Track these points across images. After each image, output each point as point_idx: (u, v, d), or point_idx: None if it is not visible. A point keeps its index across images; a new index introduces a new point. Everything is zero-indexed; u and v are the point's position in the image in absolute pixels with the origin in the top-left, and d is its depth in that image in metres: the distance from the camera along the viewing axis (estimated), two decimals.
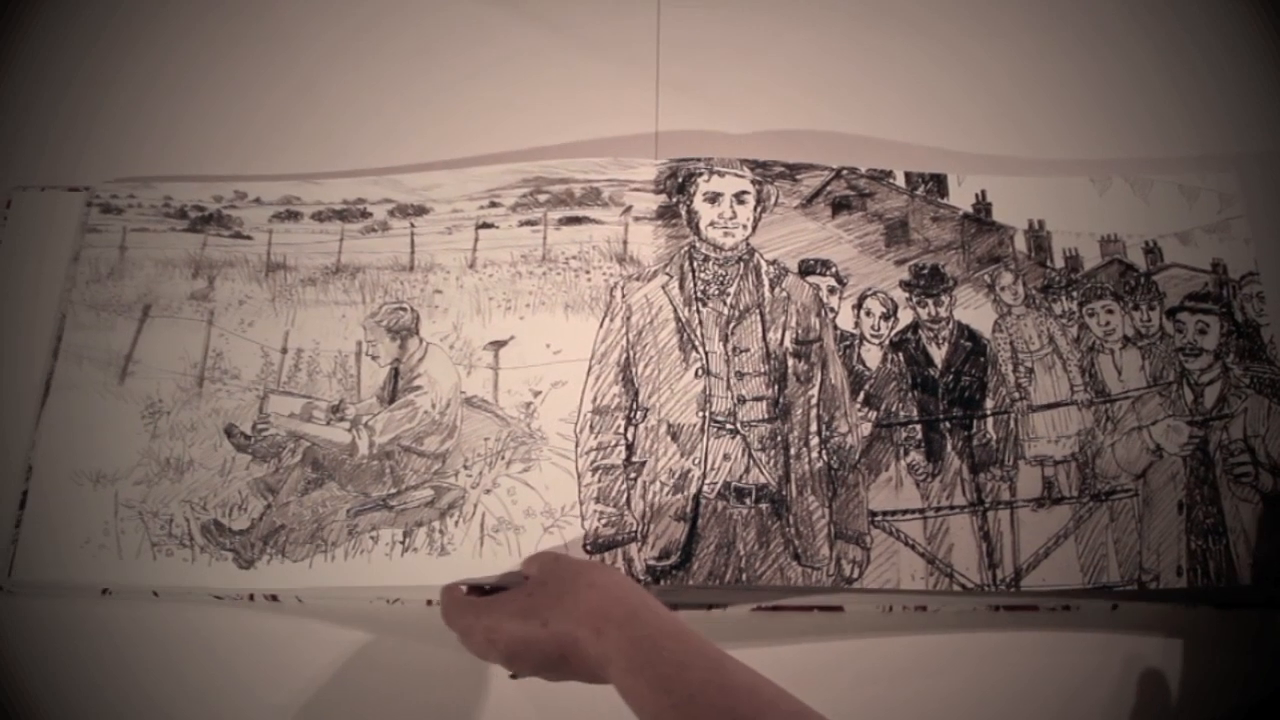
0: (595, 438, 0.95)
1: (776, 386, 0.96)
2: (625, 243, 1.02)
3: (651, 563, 0.90)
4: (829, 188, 1.04)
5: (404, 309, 1.00)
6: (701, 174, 1.03)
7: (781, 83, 1.15)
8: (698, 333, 0.97)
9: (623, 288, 1.00)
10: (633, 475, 0.93)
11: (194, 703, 0.90)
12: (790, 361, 0.97)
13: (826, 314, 0.99)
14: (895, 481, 0.94)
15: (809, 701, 0.89)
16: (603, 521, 0.92)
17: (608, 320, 0.99)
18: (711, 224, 1.01)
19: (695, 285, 0.99)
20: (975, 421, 0.97)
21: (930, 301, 1.00)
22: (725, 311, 0.98)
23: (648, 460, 0.94)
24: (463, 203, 1.05)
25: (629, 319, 0.98)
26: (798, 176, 1.04)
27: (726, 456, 0.94)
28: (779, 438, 0.95)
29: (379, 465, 0.95)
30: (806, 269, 1.01)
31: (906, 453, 0.95)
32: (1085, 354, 0.99)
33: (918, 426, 0.96)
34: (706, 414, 0.95)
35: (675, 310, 0.98)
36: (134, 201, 1.05)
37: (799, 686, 0.90)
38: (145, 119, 1.12)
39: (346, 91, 1.14)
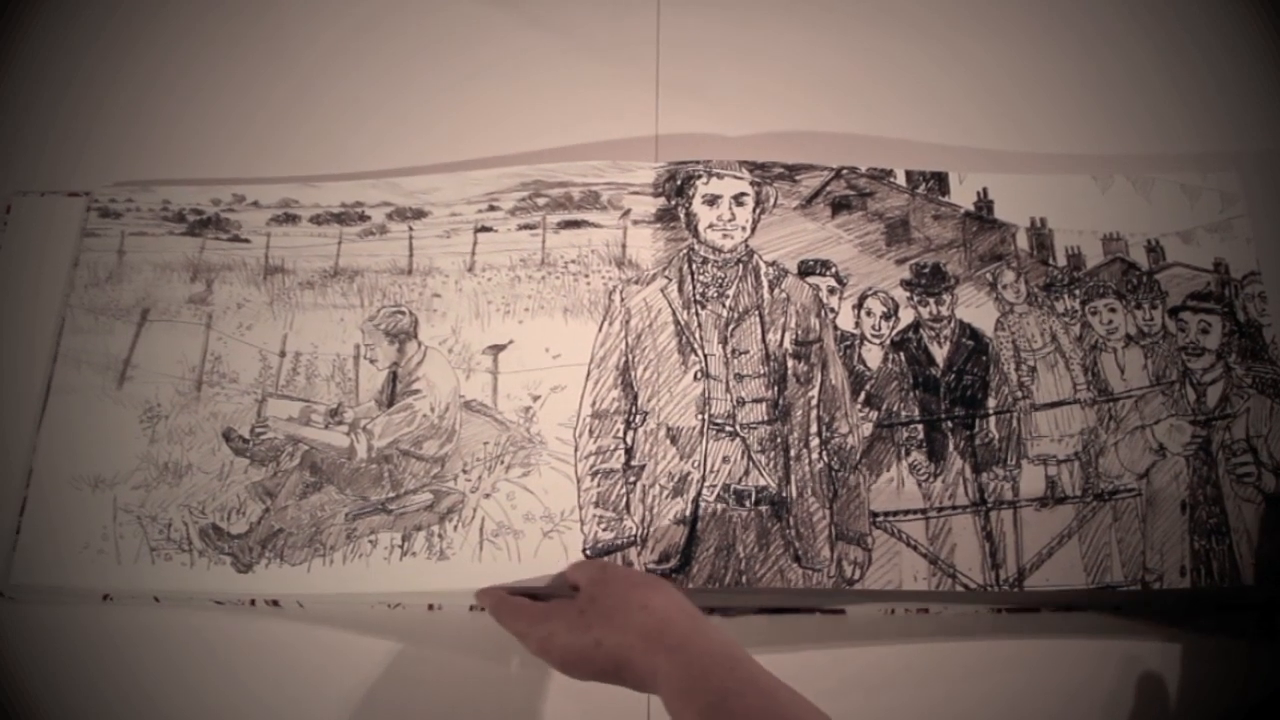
0: (594, 442, 0.94)
1: (776, 388, 0.96)
2: (624, 246, 1.01)
3: (651, 566, 0.90)
4: (828, 188, 1.04)
5: (402, 312, 1.00)
6: (700, 176, 1.03)
7: (783, 83, 1.14)
8: (696, 335, 0.97)
9: (621, 291, 0.99)
10: (632, 479, 0.93)
11: (195, 708, 0.90)
12: (790, 363, 0.97)
13: (826, 314, 0.99)
14: (897, 482, 0.94)
15: None
16: (602, 526, 0.92)
17: (607, 324, 0.98)
18: (710, 226, 1.01)
19: (694, 288, 0.99)
20: (977, 421, 0.96)
21: (931, 300, 1.00)
22: (724, 314, 0.98)
23: (647, 464, 0.94)
24: (461, 206, 1.04)
25: (628, 322, 0.98)
26: (797, 177, 1.04)
27: (726, 459, 0.94)
28: (779, 439, 0.94)
29: (377, 469, 0.95)
30: (806, 270, 1.00)
31: (908, 453, 0.95)
32: (1088, 353, 0.99)
33: (919, 426, 0.96)
34: (706, 417, 0.95)
35: (674, 313, 0.98)
36: (132, 205, 1.05)
37: (801, 691, 0.90)
38: (143, 123, 1.12)
39: (344, 94, 1.14)
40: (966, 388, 0.97)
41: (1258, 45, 1.15)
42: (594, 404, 0.96)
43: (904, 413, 0.96)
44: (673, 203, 1.03)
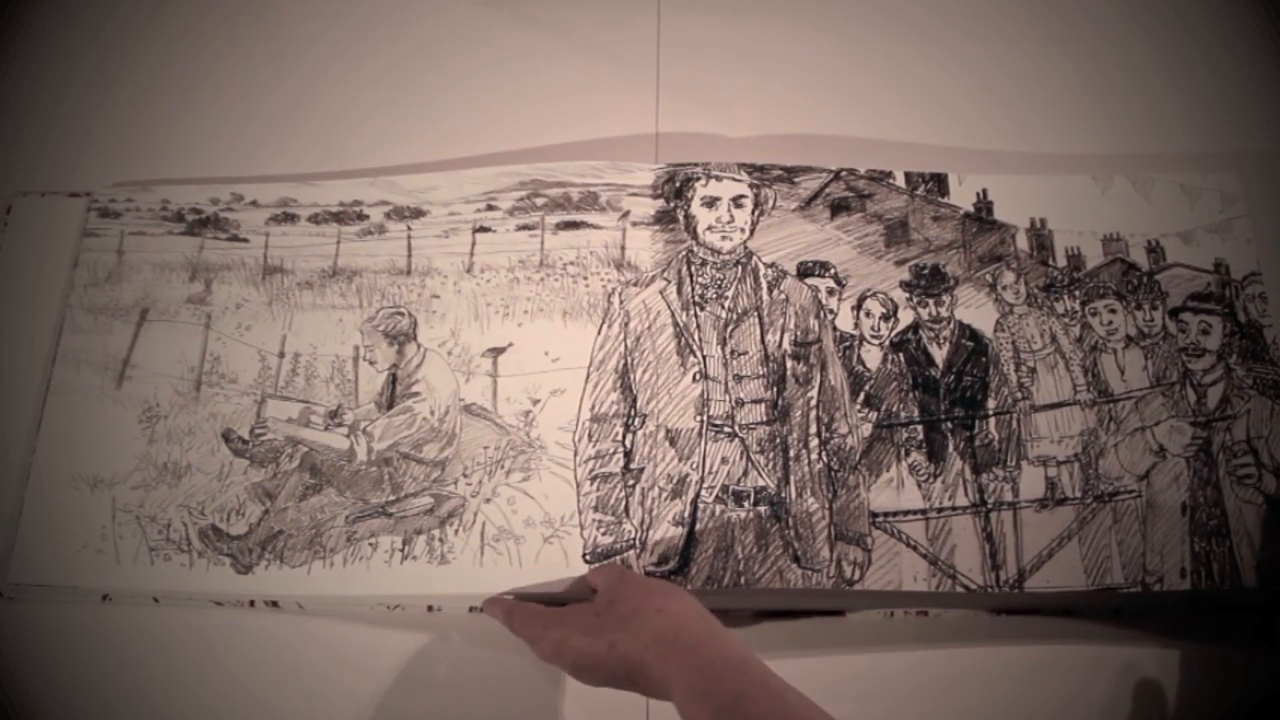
0: (594, 446, 0.94)
1: (775, 389, 0.96)
2: (623, 248, 1.01)
3: (650, 568, 0.90)
4: (828, 189, 1.04)
5: (401, 314, 1.00)
6: (699, 178, 1.03)
7: (784, 85, 1.14)
8: (695, 337, 0.97)
9: (620, 294, 0.99)
10: (631, 482, 0.93)
11: (195, 709, 0.91)
12: (789, 364, 0.97)
13: (825, 315, 0.99)
14: (896, 482, 0.94)
15: None
16: (601, 530, 0.92)
17: (606, 327, 0.98)
18: (709, 228, 1.01)
19: (693, 289, 0.99)
20: (977, 422, 0.96)
21: (931, 301, 1.00)
22: (723, 315, 0.98)
23: (646, 467, 0.94)
24: (459, 205, 1.04)
25: (627, 325, 0.98)
26: (796, 179, 1.04)
27: (725, 460, 0.94)
28: (778, 440, 0.94)
29: (378, 472, 0.95)
30: (805, 271, 1.00)
31: (908, 453, 0.95)
32: (1088, 354, 0.99)
33: (919, 427, 0.96)
34: (705, 418, 0.95)
35: (673, 315, 0.98)
36: (131, 205, 1.05)
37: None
38: (143, 123, 1.12)
39: (343, 93, 1.14)
40: (966, 389, 0.97)
41: (1258, 45, 1.15)
42: (593, 407, 0.95)
43: (903, 413, 0.96)
44: (671, 205, 1.02)
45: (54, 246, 1.04)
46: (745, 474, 0.93)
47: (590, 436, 0.95)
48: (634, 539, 0.91)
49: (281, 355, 0.99)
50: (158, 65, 1.15)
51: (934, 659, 0.92)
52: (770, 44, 1.16)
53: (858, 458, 0.94)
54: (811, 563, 0.91)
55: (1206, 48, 1.15)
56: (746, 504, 0.93)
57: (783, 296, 0.99)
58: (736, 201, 1.02)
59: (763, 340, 0.97)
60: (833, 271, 1.00)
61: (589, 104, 1.12)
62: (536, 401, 0.96)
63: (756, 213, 1.02)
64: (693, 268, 1.00)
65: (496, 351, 0.98)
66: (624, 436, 0.94)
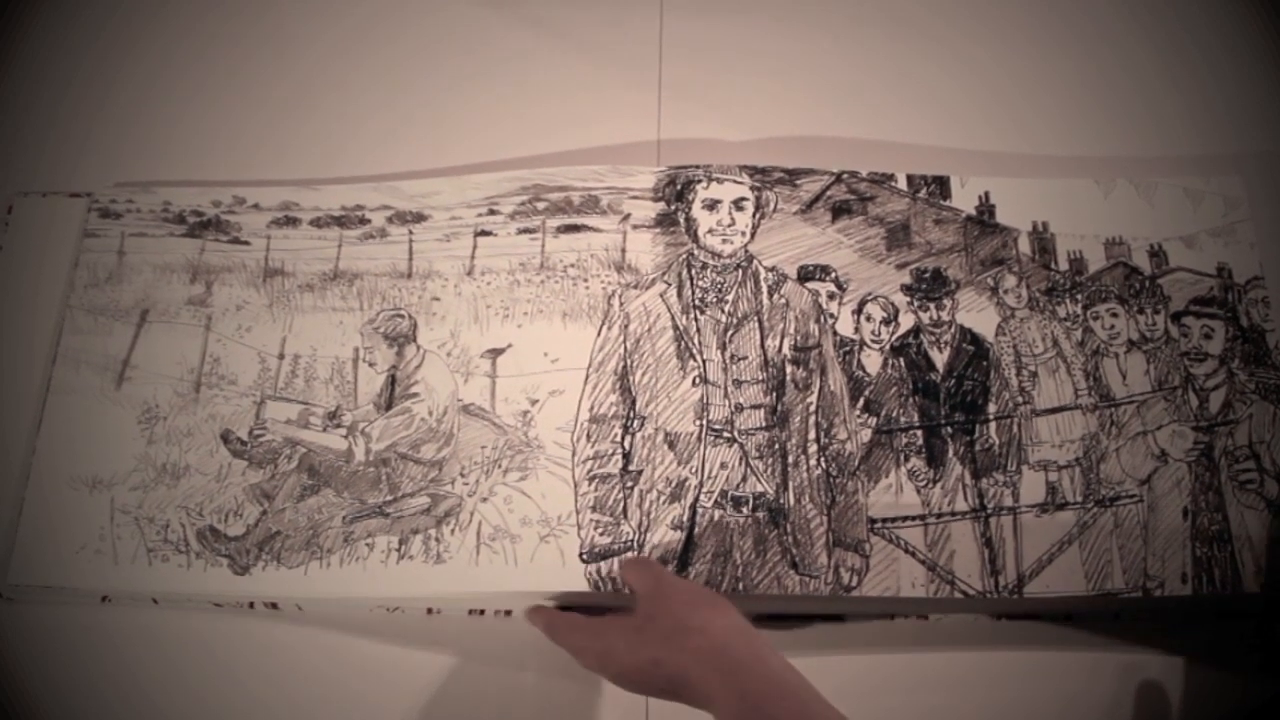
0: (592, 446, 0.94)
1: (775, 394, 0.96)
2: (623, 251, 1.01)
3: None
4: (829, 192, 1.04)
5: (401, 316, 1.00)
6: (700, 181, 1.03)
7: (786, 86, 1.14)
8: (695, 340, 0.97)
9: (621, 296, 0.99)
10: (629, 484, 0.93)
11: (195, 710, 0.91)
12: (789, 368, 0.97)
13: (826, 320, 0.99)
14: (896, 488, 0.94)
15: None
16: (599, 531, 0.91)
17: (605, 329, 0.98)
18: (710, 231, 1.01)
19: (693, 293, 0.99)
20: (977, 426, 0.96)
21: (932, 305, 1.00)
22: (723, 319, 0.98)
23: (645, 469, 0.93)
24: (461, 210, 1.04)
25: (627, 327, 0.98)
26: (797, 182, 1.04)
27: (724, 465, 0.93)
28: (777, 445, 0.94)
29: (375, 472, 0.95)
30: (806, 275, 1.00)
31: (907, 459, 0.95)
32: (1089, 358, 0.98)
33: (919, 432, 0.95)
34: (704, 422, 0.95)
35: (673, 318, 0.98)
36: (133, 206, 1.05)
37: None
38: (144, 124, 1.13)
39: (345, 97, 1.14)
40: (967, 393, 0.97)
41: (1260, 48, 1.14)
42: (592, 408, 0.95)
43: (903, 418, 0.96)
44: (672, 207, 1.02)
45: (55, 247, 1.05)
46: (744, 479, 0.93)
47: (589, 437, 0.95)
48: (632, 540, 0.91)
49: (281, 357, 0.99)
50: (159, 66, 1.16)
51: (933, 663, 0.92)
52: (772, 45, 1.16)
53: (857, 463, 0.94)
54: (810, 569, 0.91)
55: (1210, 50, 1.15)
56: (745, 509, 0.92)
57: (783, 301, 0.99)
58: (738, 204, 1.02)
59: (762, 345, 0.97)
60: (833, 275, 1.00)
61: (590, 105, 1.13)
62: (535, 402, 0.96)
63: (757, 216, 1.02)
64: (693, 271, 1.00)
65: (495, 352, 0.98)
66: (623, 438, 0.94)
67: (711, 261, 1.00)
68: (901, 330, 0.99)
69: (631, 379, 0.96)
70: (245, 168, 1.09)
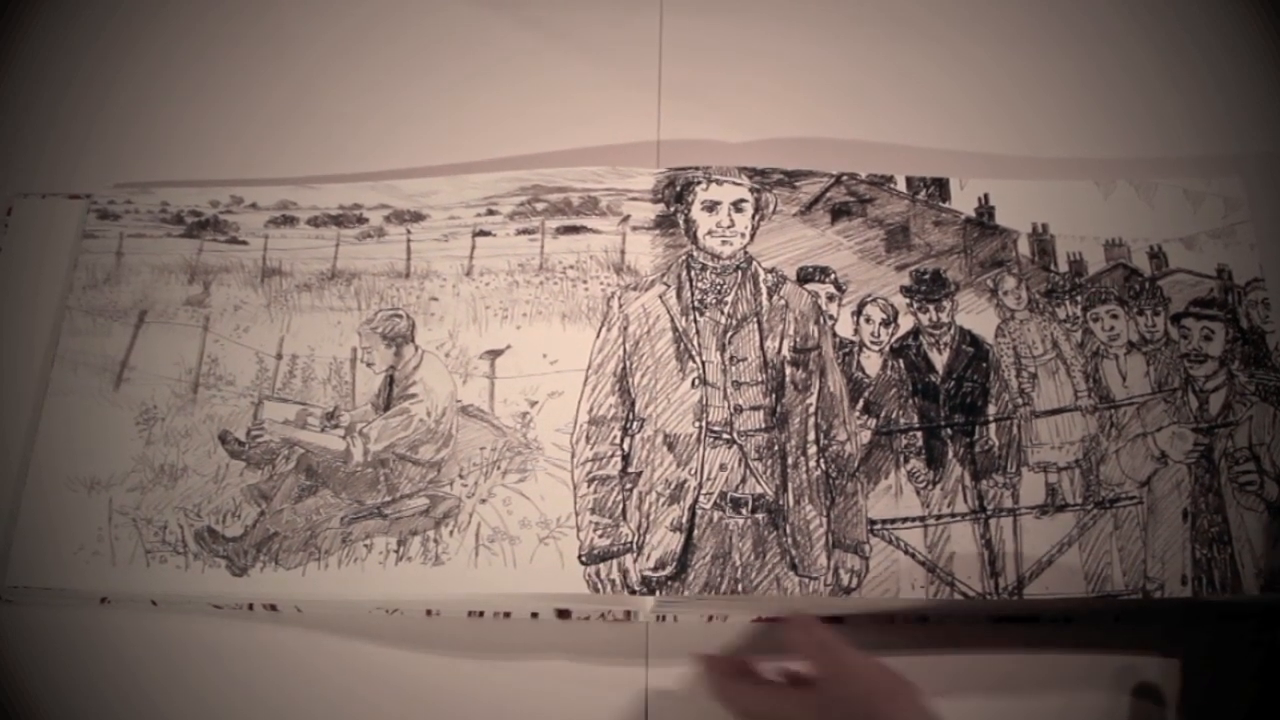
0: (591, 448, 0.94)
1: (774, 395, 0.96)
2: (623, 252, 1.01)
3: (647, 573, 0.90)
4: (828, 194, 1.04)
5: (400, 316, 1.00)
6: (699, 182, 1.03)
7: (786, 87, 1.14)
8: (695, 342, 0.97)
9: (620, 297, 0.99)
10: (629, 486, 0.93)
11: (194, 712, 0.91)
12: (788, 370, 0.96)
13: (825, 321, 0.99)
14: (895, 489, 0.94)
15: None
16: (598, 533, 0.91)
17: (605, 330, 0.98)
18: (709, 233, 1.01)
19: (693, 294, 0.99)
20: (977, 428, 0.96)
21: (931, 307, 1.00)
22: (723, 320, 0.98)
23: (644, 471, 0.93)
24: (459, 210, 1.04)
25: (626, 329, 0.98)
26: (797, 183, 1.04)
27: (723, 466, 0.93)
28: (776, 447, 0.94)
29: (373, 473, 0.95)
30: (805, 276, 1.00)
31: (907, 460, 0.95)
32: (1089, 359, 0.98)
33: (918, 434, 0.95)
34: (703, 424, 0.95)
35: (672, 320, 0.98)
36: (131, 207, 1.05)
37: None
38: (143, 124, 1.13)
39: (343, 96, 1.14)
40: (966, 395, 0.97)
41: (1260, 48, 1.14)
42: (591, 410, 0.95)
43: (903, 420, 0.96)
44: (672, 209, 1.02)
45: (54, 248, 1.04)
46: (743, 480, 0.93)
47: (588, 439, 0.94)
48: (630, 542, 0.91)
49: (279, 357, 0.99)
50: (158, 66, 1.15)
51: (933, 664, 0.91)
52: (772, 46, 1.16)
53: (856, 465, 0.94)
54: (809, 570, 0.91)
55: (1210, 51, 1.15)
56: (744, 511, 0.92)
57: (782, 302, 0.99)
58: (737, 206, 1.02)
59: (762, 346, 0.97)
60: (833, 277, 1.00)
61: (590, 105, 1.12)
62: (534, 403, 0.96)
63: (757, 217, 1.02)
64: (692, 273, 0.99)
65: (494, 354, 0.98)
66: (622, 440, 0.94)
67: (711, 263, 1.00)
68: (901, 332, 0.99)
69: (631, 381, 0.96)
70: (243, 167, 1.09)
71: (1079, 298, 1.00)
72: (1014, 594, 0.90)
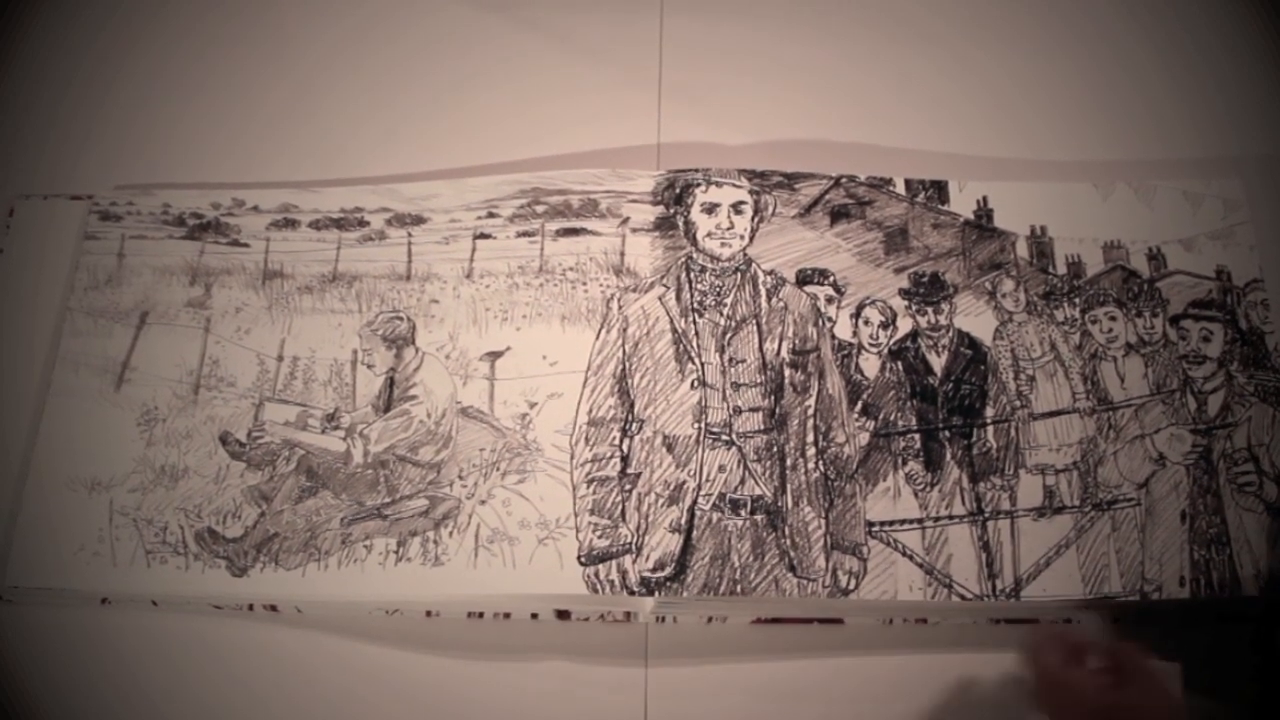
0: (590, 449, 0.94)
1: (773, 397, 0.96)
2: (622, 254, 1.01)
3: (646, 574, 0.90)
4: (827, 196, 1.04)
5: (400, 318, 1.00)
6: (699, 185, 1.03)
7: (786, 89, 1.14)
8: (694, 344, 0.97)
9: (619, 299, 0.99)
10: (628, 487, 0.93)
11: (194, 712, 0.91)
12: (787, 372, 0.97)
13: (824, 323, 0.99)
14: (893, 491, 0.94)
15: (806, 717, 0.90)
16: (597, 534, 0.91)
17: (604, 332, 0.98)
18: (709, 235, 1.01)
19: (692, 296, 0.99)
20: (975, 430, 0.96)
21: (930, 309, 1.00)
22: (722, 322, 0.98)
23: (643, 472, 0.94)
24: (460, 213, 1.04)
25: (625, 330, 0.98)
26: (796, 185, 1.04)
27: (722, 468, 0.93)
28: (775, 448, 0.94)
29: (373, 474, 0.95)
30: (804, 278, 1.00)
31: (905, 462, 0.95)
32: (1087, 361, 0.98)
33: (916, 436, 0.95)
34: (702, 425, 0.95)
35: (672, 321, 0.98)
36: (133, 209, 1.06)
37: (798, 701, 0.90)
38: (144, 126, 1.13)
39: (344, 99, 1.14)
40: (964, 397, 0.97)
41: (1260, 50, 1.14)
42: (590, 411, 0.95)
43: (901, 422, 0.96)
44: (671, 211, 1.02)
45: (55, 249, 1.05)
46: (742, 482, 0.93)
47: (587, 440, 0.95)
48: (629, 543, 0.91)
49: (280, 359, 1.00)
50: (158, 67, 1.16)
51: (932, 665, 0.91)
52: (772, 49, 1.16)
53: (854, 466, 0.94)
54: (807, 572, 0.91)
55: (1210, 52, 1.14)
56: (743, 512, 0.92)
57: (781, 304, 0.99)
58: (736, 208, 1.02)
59: (761, 348, 0.97)
60: (832, 279, 1.00)
61: (591, 108, 1.12)
62: (534, 405, 0.96)
63: (756, 219, 1.02)
64: (692, 274, 1.00)
65: (494, 355, 0.98)
66: (621, 441, 0.94)
67: (710, 265, 1.00)
68: (899, 334, 0.99)
69: (630, 382, 0.96)
70: (245, 170, 1.10)
71: (1077, 300, 1.01)
72: (1012, 596, 0.90)
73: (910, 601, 0.90)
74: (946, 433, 0.96)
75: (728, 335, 0.97)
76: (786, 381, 0.96)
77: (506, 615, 0.93)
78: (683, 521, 0.92)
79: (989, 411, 0.97)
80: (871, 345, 0.98)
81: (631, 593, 0.90)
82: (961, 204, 1.04)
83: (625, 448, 0.94)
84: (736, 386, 0.96)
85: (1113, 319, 1.00)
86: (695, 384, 0.96)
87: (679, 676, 0.91)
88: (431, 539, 0.92)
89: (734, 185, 1.03)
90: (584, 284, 1.00)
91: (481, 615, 0.93)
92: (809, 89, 1.14)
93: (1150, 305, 1.00)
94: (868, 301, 1.00)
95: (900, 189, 1.05)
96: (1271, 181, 1.07)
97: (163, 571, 0.92)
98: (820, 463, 0.94)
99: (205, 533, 0.93)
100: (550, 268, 1.01)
